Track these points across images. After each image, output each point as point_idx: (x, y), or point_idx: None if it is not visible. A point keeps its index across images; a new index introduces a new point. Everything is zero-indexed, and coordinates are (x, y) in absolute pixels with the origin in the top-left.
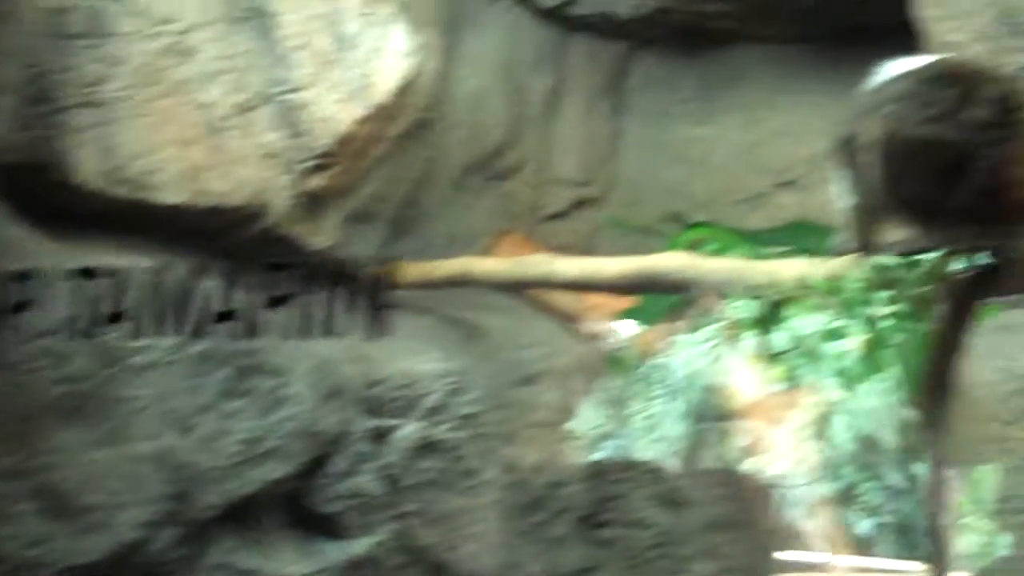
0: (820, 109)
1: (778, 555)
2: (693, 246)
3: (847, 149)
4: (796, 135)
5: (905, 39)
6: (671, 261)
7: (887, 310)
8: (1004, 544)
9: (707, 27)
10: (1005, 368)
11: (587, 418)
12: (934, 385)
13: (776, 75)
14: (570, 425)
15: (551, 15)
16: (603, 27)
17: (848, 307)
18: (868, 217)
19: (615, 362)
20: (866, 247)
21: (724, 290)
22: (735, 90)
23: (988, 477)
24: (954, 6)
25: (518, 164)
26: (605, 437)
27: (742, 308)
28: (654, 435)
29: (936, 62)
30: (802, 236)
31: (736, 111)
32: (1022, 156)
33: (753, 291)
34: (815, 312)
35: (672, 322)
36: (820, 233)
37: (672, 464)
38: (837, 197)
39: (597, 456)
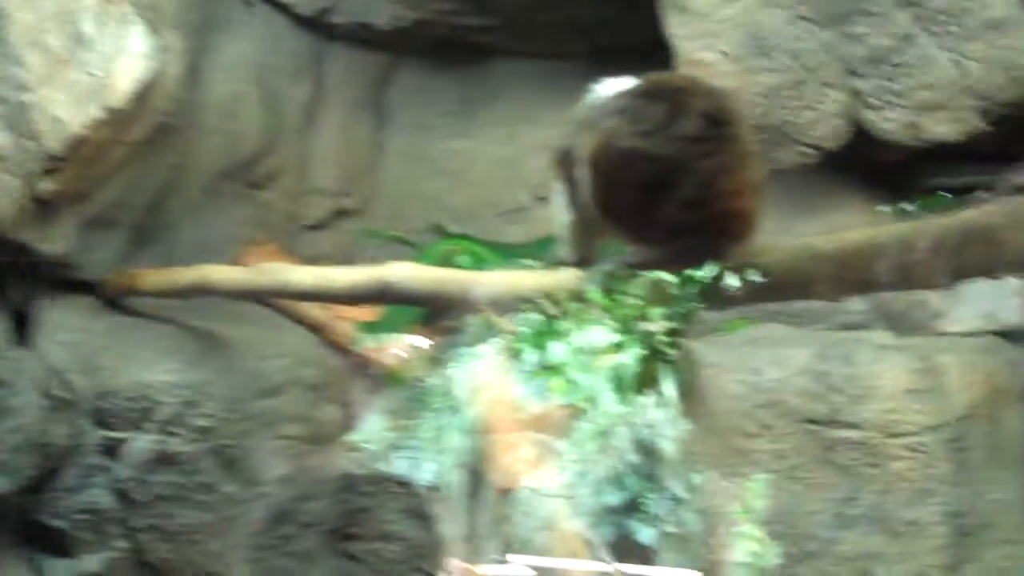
0: None
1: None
2: (445, 258)
3: (564, 163)
4: None
5: (662, 57)
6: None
7: (662, 325)
8: (775, 554)
9: (467, 41)
10: (750, 382)
11: (370, 430)
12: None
13: (535, 90)
14: (352, 437)
15: (309, 23)
16: (362, 37)
17: (624, 321)
18: (585, 231)
19: (395, 375)
20: (584, 261)
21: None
22: (495, 104)
23: (760, 487)
24: (702, 25)
25: (275, 173)
26: (391, 449)
27: (523, 322)
28: (438, 447)
29: (650, 77)
30: (554, 250)
31: (495, 125)
32: (731, 170)
33: (533, 307)
34: (593, 326)
35: (448, 334)
36: None
37: (456, 477)
38: (556, 210)
39: (384, 468)
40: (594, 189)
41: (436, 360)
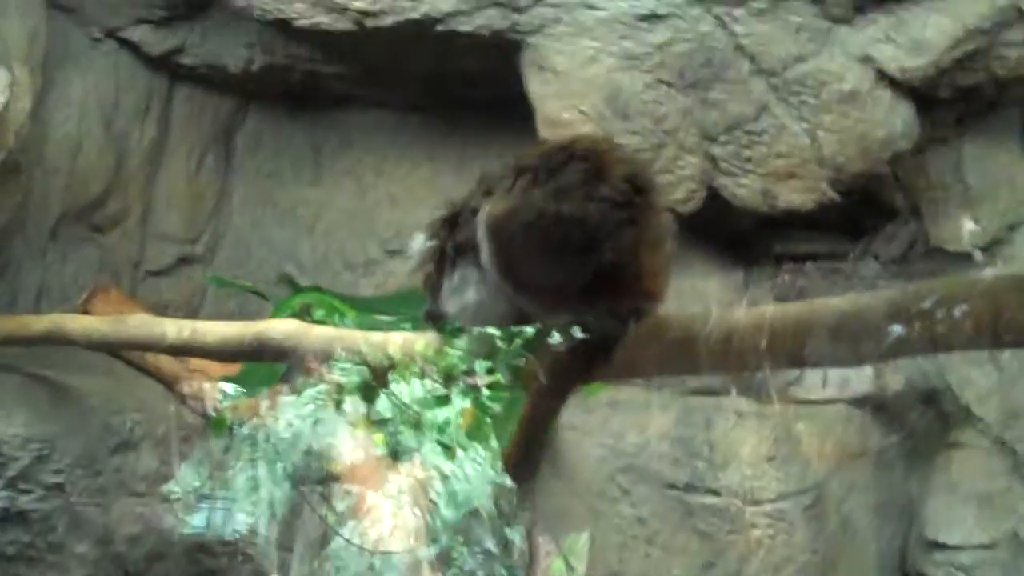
0: (429, 180)
1: None
2: (301, 312)
3: (457, 224)
4: (405, 204)
5: (522, 113)
6: (280, 328)
7: (487, 379)
8: None
9: (320, 87)
10: (611, 445)
11: (185, 480)
12: (526, 456)
13: (389, 142)
14: (167, 487)
15: (158, 62)
16: (212, 79)
17: (449, 375)
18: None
19: (216, 423)
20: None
21: (330, 359)
22: (347, 153)
23: (581, 545)
24: (563, 85)
25: (119, 215)
26: (203, 499)
27: (346, 373)
28: (254, 498)
29: (568, 139)
30: (410, 305)
31: (346, 175)
32: (650, 238)
33: (359, 359)
34: (418, 379)
35: (278, 385)
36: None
37: (269, 530)
38: (419, 263)
39: (195, 519)
40: (498, 252)
41: (254, 409)
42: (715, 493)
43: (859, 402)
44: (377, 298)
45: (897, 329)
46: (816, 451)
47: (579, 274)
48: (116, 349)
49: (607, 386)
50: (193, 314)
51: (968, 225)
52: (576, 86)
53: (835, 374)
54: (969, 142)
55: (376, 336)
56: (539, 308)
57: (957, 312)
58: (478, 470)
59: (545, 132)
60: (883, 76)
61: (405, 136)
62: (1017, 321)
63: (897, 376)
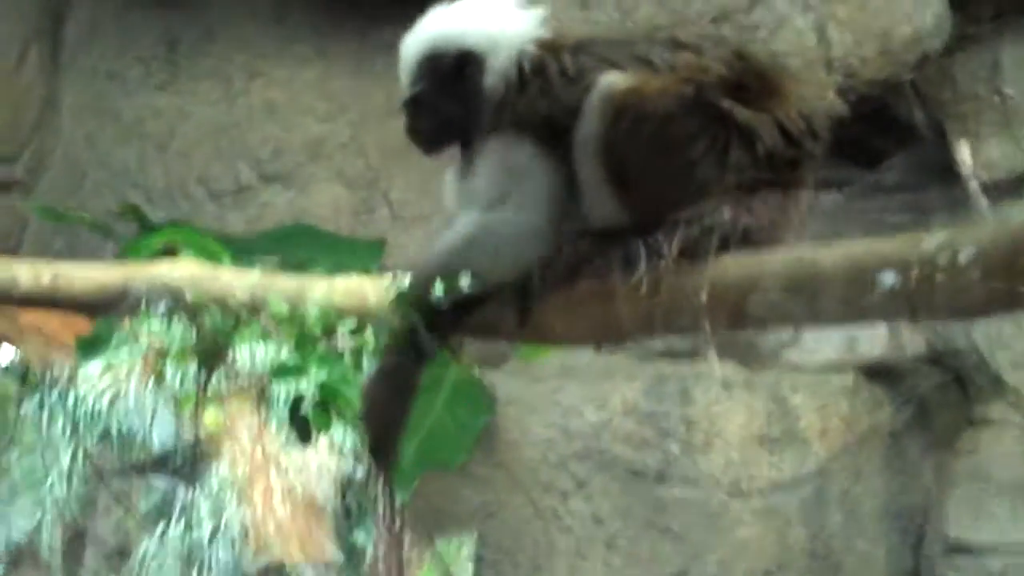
0: (318, 83)
1: None
2: (163, 253)
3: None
4: (286, 114)
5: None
6: (180, 271)
7: (350, 345)
8: None
9: None
10: (562, 425)
11: None
12: (385, 436)
13: (264, 33)
14: None
15: None
16: None
17: (305, 340)
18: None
19: None
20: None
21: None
22: (209, 49)
23: (464, 553)
24: None
25: None
26: None
27: (171, 334)
28: (37, 494)
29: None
30: (298, 244)
31: (210, 77)
32: (795, 190)
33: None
34: (266, 343)
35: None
36: (322, 241)
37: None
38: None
39: None
40: (615, 133)
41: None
42: (693, 483)
43: (869, 370)
44: (254, 236)
45: (888, 279)
46: (817, 430)
47: (703, 187)
48: None
49: (545, 348)
50: (9, 254)
51: (963, 152)
52: None
53: (840, 334)
54: (1010, 43)
55: (339, 281)
56: (628, 209)
57: (962, 257)
58: (325, 458)
59: None
60: None
61: (287, 27)
62: None
63: (918, 337)
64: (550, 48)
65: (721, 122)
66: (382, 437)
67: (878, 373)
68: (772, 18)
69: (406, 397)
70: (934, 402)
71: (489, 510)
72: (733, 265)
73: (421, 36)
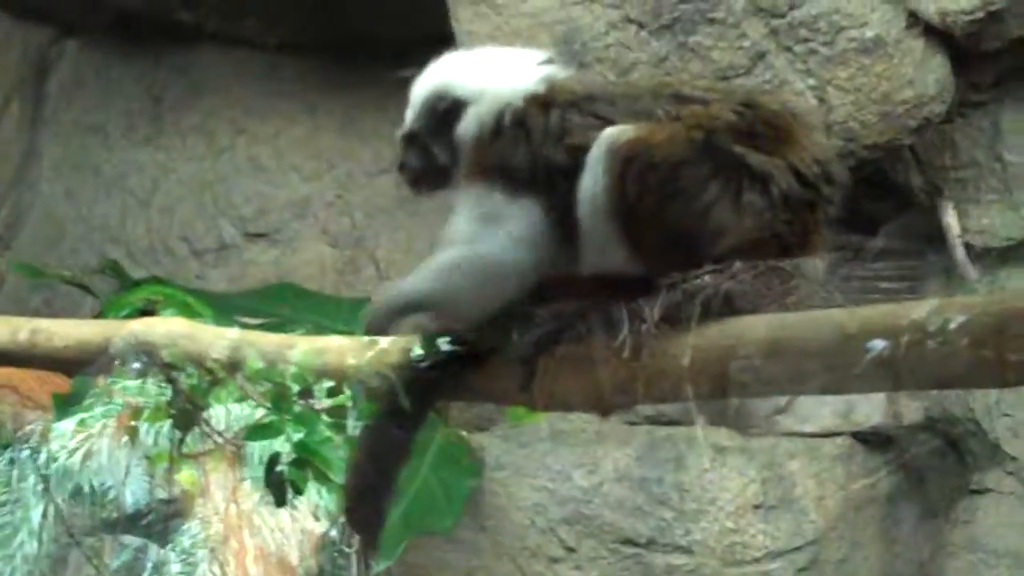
0: (306, 140)
1: None
2: (143, 311)
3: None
4: (272, 172)
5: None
6: (163, 328)
7: (327, 403)
8: None
9: (162, 19)
10: (552, 489)
11: None
12: (366, 500)
13: (251, 90)
14: None
15: None
16: (17, 6)
17: (280, 398)
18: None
19: None
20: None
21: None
22: (195, 105)
23: None
24: (502, 22)
25: None
26: None
27: (146, 391)
28: (7, 551)
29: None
30: (282, 302)
31: (194, 132)
32: (810, 236)
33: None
34: (241, 402)
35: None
36: (307, 300)
37: None
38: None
39: None
40: (623, 185)
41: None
42: (686, 551)
43: (865, 437)
44: (237, 294)
45: (876, 347)
46: (813, 497)
47: (719, 233)
48: None
49: (537, 413)
50: None
51: (950, 217)
52: (519, 23)
53: (835, 400)
54: (1010, 109)
55: (319, 340)
56: (641, 262)
57: (953, 325)
58: (295, 519)
59: None
60: (916, 21)
61: (274, 83)
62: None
63: (915, 404)
64: (540, 103)
65: (733, 167)
66: (365, 505)
67: (874, 440)
68: (772, 81)
69: (393, 463)
70: (930, 470)
71: None
72: (716, 330)
73: (429, 76)
